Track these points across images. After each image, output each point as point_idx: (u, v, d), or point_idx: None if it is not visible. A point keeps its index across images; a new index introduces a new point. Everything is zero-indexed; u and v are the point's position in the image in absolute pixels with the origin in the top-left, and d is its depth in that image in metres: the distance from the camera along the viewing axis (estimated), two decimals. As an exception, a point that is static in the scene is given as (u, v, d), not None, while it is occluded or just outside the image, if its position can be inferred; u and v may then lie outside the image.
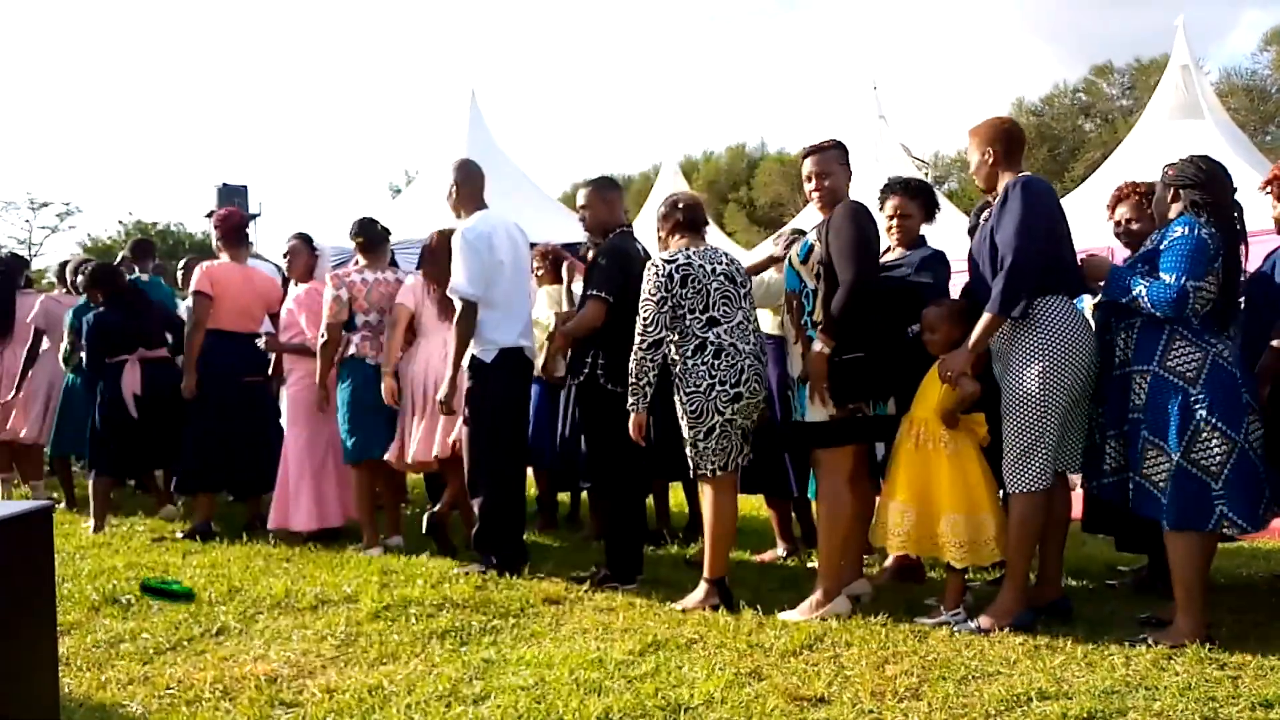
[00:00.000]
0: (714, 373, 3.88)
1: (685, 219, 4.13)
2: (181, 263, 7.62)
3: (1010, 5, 68.24)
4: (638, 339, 3.95)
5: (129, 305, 5.83)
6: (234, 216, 5.94)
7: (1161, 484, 3.36)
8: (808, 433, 3.83)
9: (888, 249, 4.35)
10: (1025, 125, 4.27)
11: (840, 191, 3.89)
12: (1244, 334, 3.58)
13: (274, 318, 5.79)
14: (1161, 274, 3.38)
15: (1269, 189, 3.93)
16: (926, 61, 67.90)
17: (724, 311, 3.94)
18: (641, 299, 3.96)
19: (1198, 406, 3.32)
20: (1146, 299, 3.37)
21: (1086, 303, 3.99)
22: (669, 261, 3.95)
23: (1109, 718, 2.75)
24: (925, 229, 4.39)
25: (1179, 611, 3.39)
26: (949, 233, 4.77)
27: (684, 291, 3.91)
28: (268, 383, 5.82)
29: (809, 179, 3.95)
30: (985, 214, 3.81)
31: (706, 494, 4.02)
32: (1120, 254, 4.18)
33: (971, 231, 4.12)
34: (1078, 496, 4.07)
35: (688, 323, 3.92)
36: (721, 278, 3.98)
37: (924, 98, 63.58)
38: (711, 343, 3.90)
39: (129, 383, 5.67)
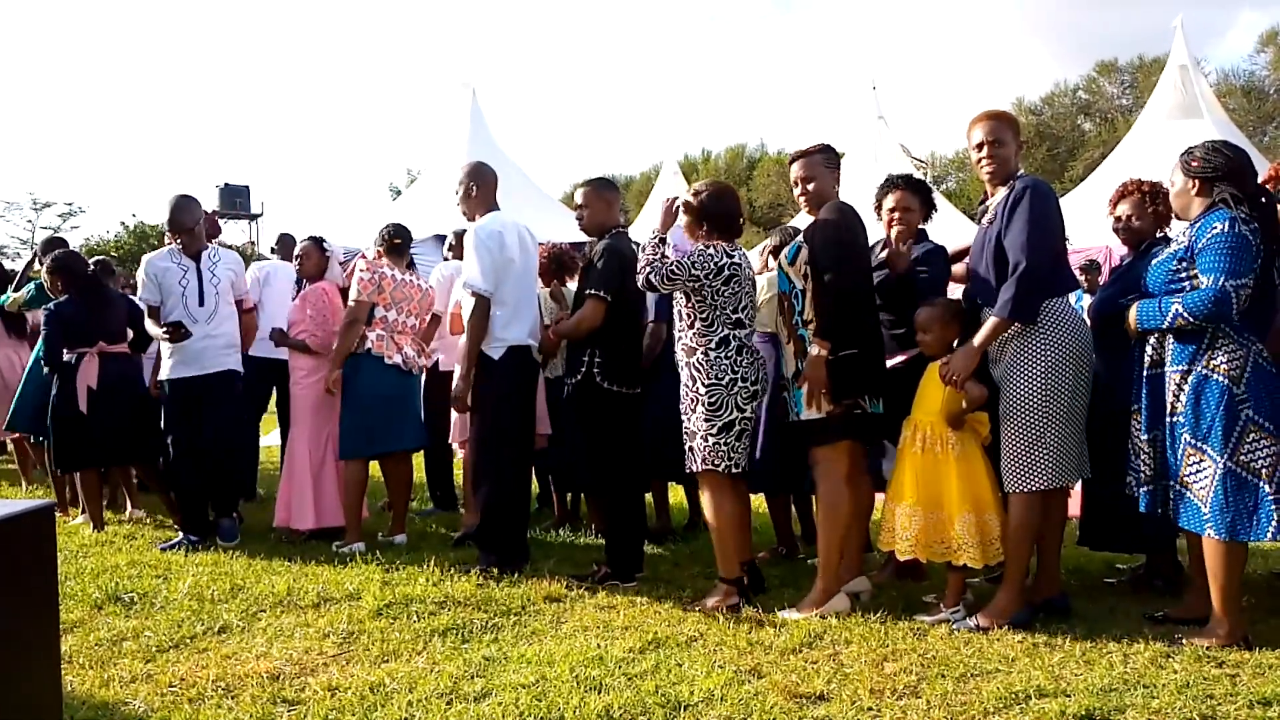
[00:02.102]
0: (736, 369, 3.92)
1: (724, 221, 4.05)
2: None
3: (1009, 5, 68.28)
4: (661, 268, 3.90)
5: (91, 297, 5.67)
6: (214, 222, 6.03)
7: (1202, 490, 3.25)
8: (804, 431, 3.85)
9: (884, 243, 4.36)
10: (1024, 124, 4.28)
11: (826, 194, 3.91)
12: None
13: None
14: (1199, 276, 3.23)
15: (1268, 187, 3.93)
16: (925, 62, 67.97)
17: (749, 314, 4.00)
18: (677, 264, 3.90)
19: (1243, 406, 3.20)
20: (1188, 314, 3.21)
21: (1083, 301, 3.99)
22: (728, 255, 3.94)
23: (1107, 715, 2.76)
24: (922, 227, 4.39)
25: (1219, 616, 3.33)
26: (949, 232, 4.76)
27: (725, 289, 3.92)
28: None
29: (796, 183, 4.00)
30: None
31: (705, 492, 4.02)
32: (1119, 251, 4.19)
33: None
34: (1074, 494, 4.07)
35: (717, 313, 3.93)
36: (749, 283, 4.03)
37: (923, 98, 63.67)
38: (735, 339, 3.95)
39: (84, 375, 5.50)
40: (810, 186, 3.92)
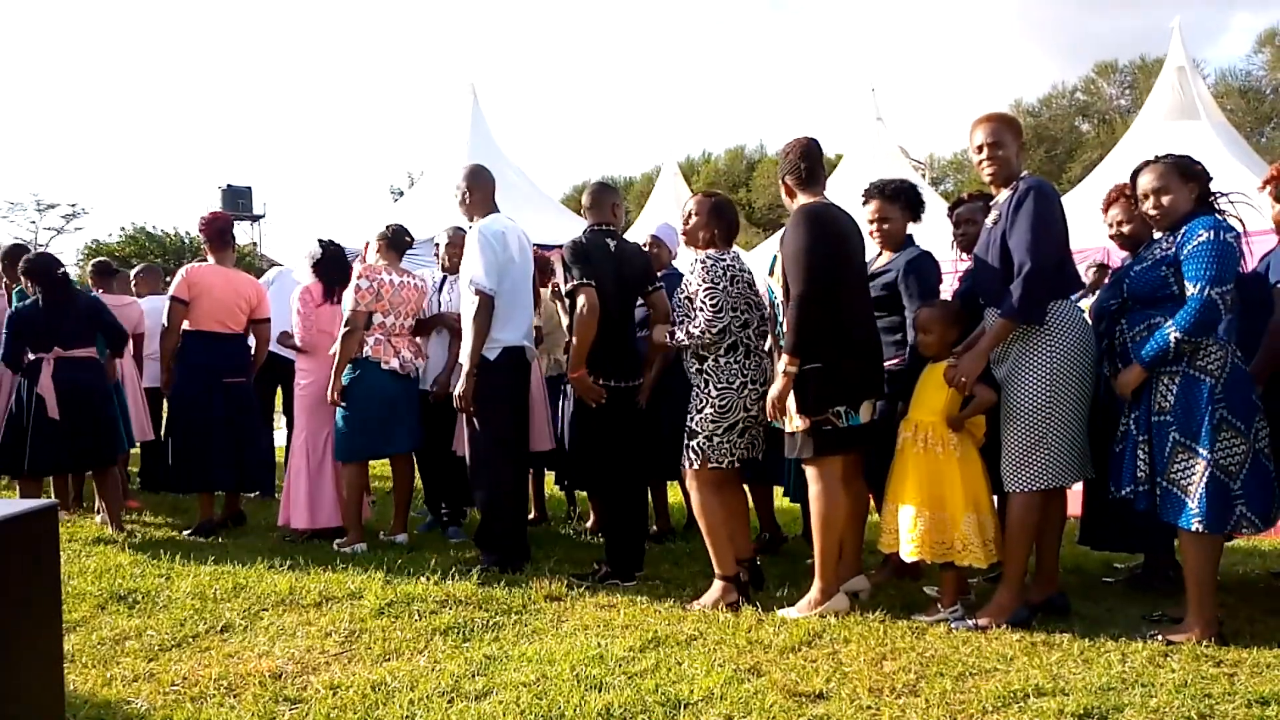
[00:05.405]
0: (745, 372, 3.98)
1: (726, 229, 4.16)
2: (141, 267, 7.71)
3: (1007, 6, 68.35)
4: (706, 327, 3.93)
5: (52, 301, 5.52)
6: (218, 220, 5.88)
7: (1190, 488, 3.29)
8: (790, 443, 3.84)
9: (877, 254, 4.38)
10: (1023, 126, 4.25)
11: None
12: (1236, 334, 3.59)
13: (258, 323, 5.81)
14: (1186, 283, 3.28)
15: (1268, 189, 3.95)
16: (924, 63, 68.04)
17: (748, 315, 4.03)
18: (705, 289, 3.96)
19: (1220, 405, 3.28)
20: (1183, 334, 3.24)
21: (1085, 302, 3.99)
22: (719, 260, 4.04)
23: (1105, 714, 2.77)
24: (917, 230, 4.39)
25: (1193, 610, 3.38)
26: (946, 233, 4.76)
27: (733, 289, 3.99)
28: (249, 383, 5.80)
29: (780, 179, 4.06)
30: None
31: (696, 490, 4.03)
32: (1117, 255, 4.19)
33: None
34: (1074, 494, 4.09)
35: (729, 319, 3.97)
36: (744, 284, 4.06)
37: (921, 99, 63.70)
38: (743, 343, 3.99)
39: (43, 384, 5.37)
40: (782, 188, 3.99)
